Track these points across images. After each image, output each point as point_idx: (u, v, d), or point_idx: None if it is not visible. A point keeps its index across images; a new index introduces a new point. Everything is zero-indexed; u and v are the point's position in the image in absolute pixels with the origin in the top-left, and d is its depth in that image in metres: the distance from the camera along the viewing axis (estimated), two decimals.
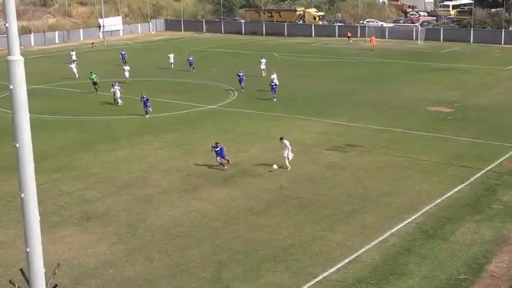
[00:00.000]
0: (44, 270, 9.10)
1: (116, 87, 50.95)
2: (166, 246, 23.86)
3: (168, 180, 31.71)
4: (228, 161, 33.23)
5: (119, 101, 50.59)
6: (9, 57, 8.62)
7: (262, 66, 63.56)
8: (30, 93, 9.01)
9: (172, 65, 70.85)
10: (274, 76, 52.24)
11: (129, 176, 32.68)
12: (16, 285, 9.47)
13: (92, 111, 48.40)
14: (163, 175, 32.58)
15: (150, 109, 46.29)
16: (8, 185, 30.74)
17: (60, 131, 42.99)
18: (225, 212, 27.16)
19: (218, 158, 32.84)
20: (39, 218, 8.98)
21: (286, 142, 32.42)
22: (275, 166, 32.18)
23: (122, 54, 76.35)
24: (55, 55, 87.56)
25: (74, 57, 76.62)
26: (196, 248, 23.58)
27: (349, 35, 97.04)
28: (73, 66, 67.04)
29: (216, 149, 32.77)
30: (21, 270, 9.49)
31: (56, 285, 9.51)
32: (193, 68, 68.51)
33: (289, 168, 32.16)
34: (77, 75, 64.99)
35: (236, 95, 52.99)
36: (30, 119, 8.88)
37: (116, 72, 68.87)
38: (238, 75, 54.91)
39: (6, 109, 49.03)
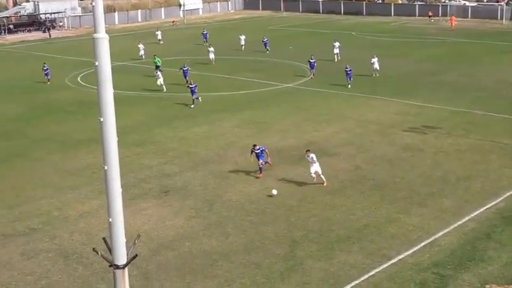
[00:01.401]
0: (125, 240, 9.45)
1: (158, 72, 49.74)
2: (242, 222, 24.20)
3: (244, 157, 32.01)
4: (266, 163, 29.83)
5: (164, 87, 48.71)
6: (95, 34, 8.90)
7: (336, 51, 60.72)
8: (114, 70, 9.32)
9: (243, 47, 70.06)
10: (374, 60, 51.07)
11: (207, 152, 33.21)
12: (99, 253, 9.82)
13: (172, 88, 49.20)
14: (239, 152, 32.93)
15: (200, 99, 43.62)
16: (92, 158, 31.82)
17: (142, 107, 43.99)
18: (300, 191, 27.26)
19: (259, 160, 29.24)
20: (121, 190, 9.30)
21: (313, 156, 27.78)
22: (274, 192, 26.77)
23: (203, 33, 77.07)
24: (138, 33, 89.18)
25: (159, 37, 77.95)
26: (271, 225, 23.83)
27: (430, 14, 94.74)
28: (140, 46, 66.38)
29: (257, 151, 29.36)
30: (104, 239, 9.87)
31: (136, 255, 9.83)
32: (268, 50, 67.61)
33: (325, 183, 27.71)
34: (143, 56, 64.99)
35: (314, 74, 52.67)
36: (113, 94, 9.20)
37: (195, 50, 69.83)
38: (310, 62, 52.89)
39: (91, 85, 50.58)
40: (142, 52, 65.80)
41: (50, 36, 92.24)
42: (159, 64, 55.05)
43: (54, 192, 28.04)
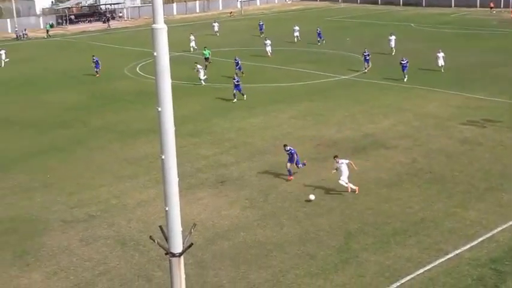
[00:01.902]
0: (181, 229, 9.56)
1: (198, 66, 49.03)
2: (296, 213, 24.20)
3: (300, 148, 31.89)
4: (303, 165, 28.30)
5: (202, 81, 48.37)
6: (153, 25, 8.99)
7: (392, 44, 59.23)
8: (172, 60, 9.42)
9: (296, 38, 68.91)
10: (440, 55, 49.56)
11: (263, 143, 33.29)
12: (156, 241, 9.97)
13: (229, 79, 49.44)
14: (295, 143, 32.77)
15: (244, 96, 42.57)
16: (150, 147, 32.30)
17: (199, 97, 44.35)
18: (355, 183, 27.05)
19: (288, 163, 27.69)
20: (177, 179, 9.41)
21: (343, 161, 25.80)
22: (312, 197, 25.36)
23: (259, 25, 77.12)
24: (195, 24, 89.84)
25: (216, 28, 78.33)
26: (326, 217, 23.76)
27: (492, 5, 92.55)
28: (192, 38, 66.24)
29: (287, 151, 27.81)
30: (160, 227, 10.01)
31: (192, 244, 9.93)
32: (321, 41, 66.75)
33: (357, 191, 25.94)
34: (194, 48, 65.05)
35: (370, 65, 52.21)
36: (171, 84, 9.30)
37: (251, 42, 69.96)
38: (364, 55, 51.57)
39: (150, 75, 51.28)
40: (193, 43, 65.87)
41: (109, 26, 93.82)
42: (208, 56, 54.96)
43: (113, 181, 28.58)
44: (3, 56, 62.06)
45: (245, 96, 42.72)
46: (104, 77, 53.43)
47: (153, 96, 9.39)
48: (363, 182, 27.11)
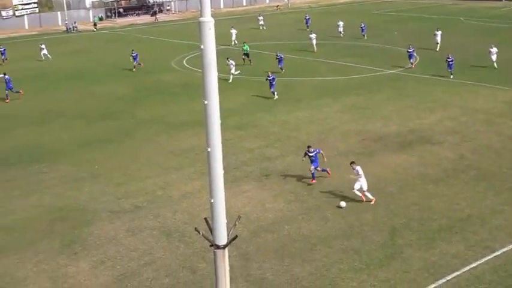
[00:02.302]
0: (226, 221, 9.63)
1: (231, 61, 47.86)
2: (341, 208, 24.10)
3: (345, 143, 31.86)
4: (323, 170, 27.01)
5: (231, 77, 47.26)
6: (201, 18, 9.03)
7: (437, 39, 57.56)
8: (218, 53, 9.47)
9: (342, 34, 68.11)
10: (493, 50, 48.37)
11: (308, 136, 33.22)
12: (201, 233, 10.06)
13: (277, 71, 49.40)
14: (340, 138, 32.78)
15: (276, 95, 41.44)
16: (196, 139, 32.54)
17: (245, 91, 44.47)
18: (401, 178, 26.85)
19: (312, 167, 26.52)
20: (223, 171, 9.47)
21: (359, 169, 24.57)
22: (343, 204, 24.28)
23: (306, 19, 76.81)
24: (242, 17, 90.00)
25: (261, 22, 78.35)
26: (371, 212, 23.62)
27: None
28: (233, 31, 66.03)
29: (311, 154, 26.47)
30: (205, 219, 10.08)
31: (236, 236, 9.98)
32: (364, 36, 66.22)
33: (373, 201, 24.46)
34: (235, 42, 64.79)
35: (418, 59, 51.56)
36: (217, 77, 9.35)
37: (296, 35, 69.75)
38: (408, 52, 50.24)
39: (196, 68, 51.63)
40: (234, 37, 65.63)
41: (156, 20, 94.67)
42: (247, 52, 54.29)
43: (159, 172, 28.90)
44: (45, 51, 62.51)
45: (276, 95, 41.48)
46: (151, 69, 53.97)
47: (199, 88, 9.47)
48: (409, 178, 26.87)
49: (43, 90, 48.74)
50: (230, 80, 46.88)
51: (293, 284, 18.90)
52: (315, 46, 59.77)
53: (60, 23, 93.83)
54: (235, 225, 10.04)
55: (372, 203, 24.25)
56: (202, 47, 9.07)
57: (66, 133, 36.32)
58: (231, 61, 47.73)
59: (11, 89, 44.53)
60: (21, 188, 27.81)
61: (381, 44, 61.92)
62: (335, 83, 46.13)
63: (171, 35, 76.31)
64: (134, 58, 54.15)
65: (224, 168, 9.45)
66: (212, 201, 9.48)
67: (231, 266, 9.96)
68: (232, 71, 47.61)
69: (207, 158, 9.35)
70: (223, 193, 9.50)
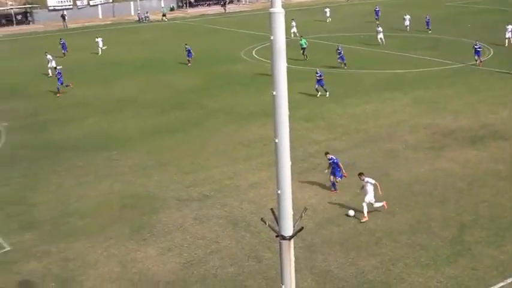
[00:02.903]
0: (292, 213, 9.67)
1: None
2: (408, 202, 23.83)
3: (414, 136, 31.40)
4: (342, 177, 25.20)
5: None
6: (271, 9, 9.05)
7: (508, 35, 55.19)
8: (287, 44, 9.48)
9: (408, 28, 66.56)
10: None
11: (376, 130, 32.90)
12: (267, 223, 10.11)
13: (346, 63, 49.10)
14: (409, 131, 32.32)
15: (327, 93, 39.97)
16: (264, 130, 32.67)
17: (313, 82, 44.27)
18: (471, 174, 26.30)
19: (331, 176, 25.07)
20: (290, 163, 9.50)
21: (370, 180, 22.75)
22: (351, 213, 23.00)
23: (375, 10, 75.79)
24: (311, 9, 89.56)
25: (327, 14, 77.81)
26: (439, 207, 23.24)
27: None
28: (293, 24, 65.09)
29: (329, 161, 25.11)
30: (272, 210, 10.14)
31: (302, 227, 10.01)
32: (429, 29, 64.62)
33: (364, 219, 22.50)
34: (296, 34, 63.64)
35: (492, 53, 50.24)
36: (286, 68, 9.36)
37: (363, 27, 68.90)
38: (475, 48, 47.97)
39: (265, 59, 51.74)
40: (294, 29, 64.80)
41: (225, 10, 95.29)
42: (304, 46, 53.27)
43: (227, 162, 29.18)
44: (100, 44, 62.65)
45: (328, 93, 40.24)
46: (220, 60, 54.42)
47: (268, 79, 9.52)
48: (479, 173, 26.30)
49: (113, 79, 49.82)
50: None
51: (358, 277, 18.83)
52: (380, 39, 58.14)
53: (132, 13, 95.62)
54: (301, 216, 10.05)
55: (362, 220, 22.38)
56: (272, 37, 9.07)
57: (136, 122, 37.06)
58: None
59: (61, 83, 44.60)
60: (93, 174, 28.59)
61: (451, 37, 60.56)
62: (404, 76, 45.45)
63: (241, 26, 76.66)
64: (188, 53, 53.46)
65: (291, 159, 9.46)
66: (279, 192, 9.51)
67: (296, 257, 9.99)
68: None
69: (275, 149, 9.38)
70: (290, 184, 9.52)
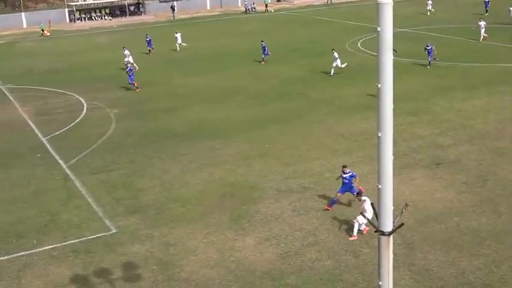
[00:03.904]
0: (392, 208, 9.47)
1: (335, 54, 44.97)
2: None
3: None
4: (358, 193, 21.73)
5: (332, 71, 45.15)
6: (379, 0, 8.88)
7: None
8: (394, 36, 9.25)
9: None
10: None
11: (484, 126, 31.78)
12: (366, 218, 9.97)
13: (452, 57, 47.71)
14: None
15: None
16: (366, 123, 32.28)
17: (419, 76, 43.36)
18: None
19: (339, 193, 23.04)
20: (392, 157, 9.30)
21: (368, 200, 19.61)
22: (361, 225, 20.59)
23: (485, 2, 73.06)
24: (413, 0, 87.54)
25: (429, 6, 75.25)
26: None
27: None
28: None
29: (344, 176, 22.81)
30: (371, 204, 9.98)
31: (402, 224, 9.80)
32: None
33: (352, 238, 20.76)
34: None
35: None
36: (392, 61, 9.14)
37: (467, 20, 66.53)
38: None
39: (371, 51, 51.05)
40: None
41: (330, 1, 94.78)
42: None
43: (327, 154, 29.00)
44: (179, 40, 60.84)
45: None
46: (324, 51, 53.99)
47: (372, 72, 9.32)
48: None
49: (218, 70, 50.53)
50: (331, 74, 45.13)
51: (459, 278, 18.26)
52: (482, 34, 54.52)
53: (239, 4, 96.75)
54: (401, 212, 9.85)
55: (350, 239, 20.74)
56: (379, 29, 8.89)
57: (239, 111, 37.47)
58: (335, 54, 45.28)
59: (131, 81, 44.57)
60: (196, 162, 29.15)
61: None
62: None
63: (346, 17, 75.95)
64: (263, 50, 52.05)
65: (394, 154, 9.26)
66: (380, 186, 9.34)
67: (394, 254, 9.79)
68: (338, 62, 45.01)
69: (377, 143, 9.21)
70: (392, 179, 9.33)
